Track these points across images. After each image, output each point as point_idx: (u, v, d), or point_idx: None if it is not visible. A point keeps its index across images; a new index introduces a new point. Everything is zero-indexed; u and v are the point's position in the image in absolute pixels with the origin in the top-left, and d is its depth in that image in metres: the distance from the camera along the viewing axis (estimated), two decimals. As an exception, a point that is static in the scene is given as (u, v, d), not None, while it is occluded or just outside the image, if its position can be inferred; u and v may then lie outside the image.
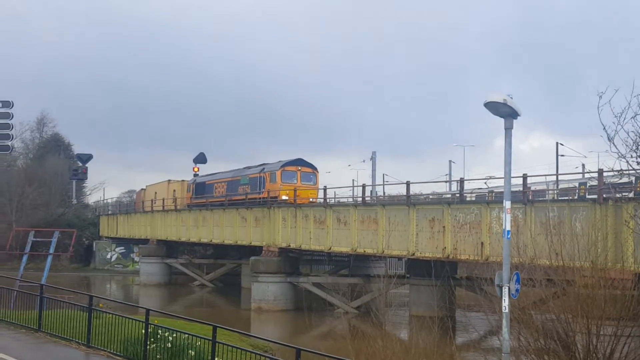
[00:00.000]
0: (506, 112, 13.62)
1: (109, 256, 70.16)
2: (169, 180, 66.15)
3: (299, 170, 46.45)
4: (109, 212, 76.60)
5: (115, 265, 69.47)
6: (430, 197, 42.60)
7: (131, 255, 69.34)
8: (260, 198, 46.71)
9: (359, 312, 37.12)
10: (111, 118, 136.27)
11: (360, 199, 40.01)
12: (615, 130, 16.65)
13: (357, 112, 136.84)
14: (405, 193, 33.82)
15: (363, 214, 34.68)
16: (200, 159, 68.25)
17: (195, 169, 66.25)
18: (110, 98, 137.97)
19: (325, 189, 41.35)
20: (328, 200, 39.87)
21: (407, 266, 37.63)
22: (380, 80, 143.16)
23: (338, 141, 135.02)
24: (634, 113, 16.45)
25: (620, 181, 21.60)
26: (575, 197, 29.27)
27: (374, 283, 34.49)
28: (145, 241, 62.16)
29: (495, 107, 13.54)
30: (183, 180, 64.52)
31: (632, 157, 16.91)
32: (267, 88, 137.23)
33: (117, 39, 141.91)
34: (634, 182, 22.60)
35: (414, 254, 31.35)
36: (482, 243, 27.20)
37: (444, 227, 29.44)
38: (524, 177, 27.36)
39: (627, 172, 18.60)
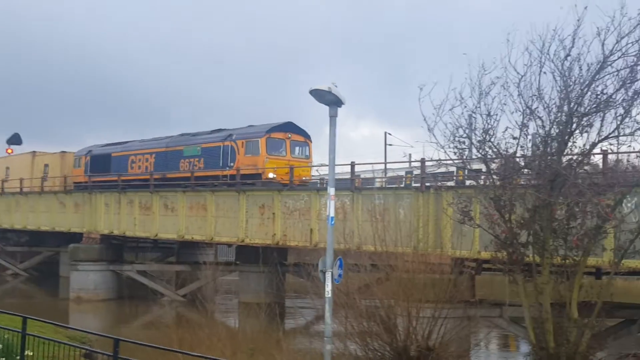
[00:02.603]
0: (331, 100, 13.85)
1: None
2: (34, 152, 53.55)
3: (289, 138, 34.83)
4: None
5: None
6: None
7: None
8: (224, 176, 34.88)
9: (186, 300, 36.36)
10: None
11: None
12: (435, 122, 17.48)
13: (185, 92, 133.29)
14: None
15: (192, 200, 33.93)
16: (15, 139, 62.41)
17: (9, 151, 59.33)
18: None
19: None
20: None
21: (236, 253, 37.35)
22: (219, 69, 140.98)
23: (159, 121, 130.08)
24: (452, 105, 17.28)
25: (440, 170, 22.64)
26: (402, 185, 30.42)
27: (203, 270, 33.91)
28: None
29: (320, 95, 13.73)
30: (64, 152, 50.88)
31: (449, 147, 17.76)
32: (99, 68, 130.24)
33: None
34: (455, 172, 23.88)
35: (243, 241, 31.14)
36: (311, 230, 27.50)
37: (273, 213, 29.46)
38: (352, 164, 27.98)
39: (445, 162, 19.52)
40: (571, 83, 16.28)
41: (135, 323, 31.98)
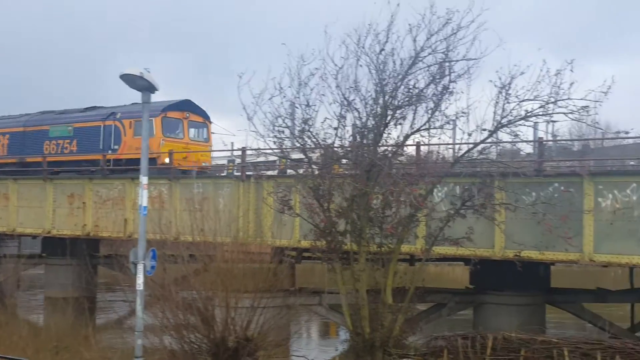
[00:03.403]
0: (143, 85, 13.30)
1: None
2: None
3: (187, 118, 30.46)
4: None
5: None
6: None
7: None
8: (106, 160, 29.20)
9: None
10: None
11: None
12: (254, 111, 17.36)
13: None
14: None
15: (-10, 189, 31.20)
16: None
17: None
18: None
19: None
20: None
21: (42, 245, 34.96)
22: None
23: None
24: (271, 95, 17.24)
25: (260, 160, 22.58)
26: (224, 174, 29.77)
27: (3, 264, 31.34)
28: None
29: (132, 80, 13.17)
30: None
31: (269, 137, 17.73)
32: None
33: None
34: (278, 161, 23.69)
35: (50, 232, 29.17)
36: (125, 220, 26.26)
37: (84, 203, 27.82)
38: (170, 153, 27.14)
39: (264, 151, 19.46)
40: (386, 77, 16.80)
41: None
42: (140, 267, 13.42)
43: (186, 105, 30.77)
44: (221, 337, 16.24)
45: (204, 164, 30.67)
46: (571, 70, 16.08)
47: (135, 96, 17.12)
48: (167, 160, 28.09)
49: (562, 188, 18.13)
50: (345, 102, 17.18)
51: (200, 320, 16.41)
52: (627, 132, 20.06)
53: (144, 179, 13.82)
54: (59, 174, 30.52)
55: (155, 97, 14.22)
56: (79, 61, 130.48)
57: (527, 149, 23.56)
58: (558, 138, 29.56)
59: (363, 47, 16.70)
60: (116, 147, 30.87)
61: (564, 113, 16.67)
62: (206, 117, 31.90)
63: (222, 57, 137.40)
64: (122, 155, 30.00)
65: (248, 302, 16.39)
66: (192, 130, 31.12)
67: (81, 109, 34.19)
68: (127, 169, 28.02)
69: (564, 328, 23.34)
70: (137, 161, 27.67)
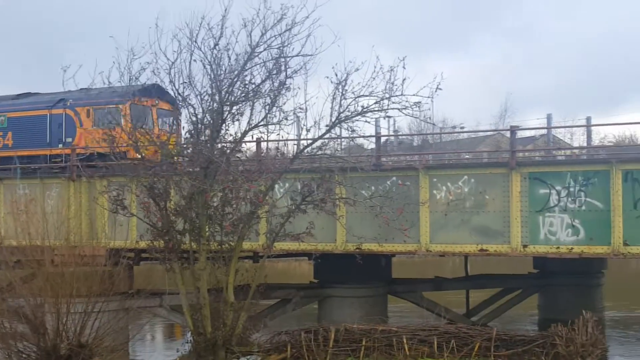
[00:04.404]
0: None
1: None
2: None
3: (156, 105, 24.25)
4: None
5: None
6: None
7: None
8: (54, 156, 25.45)
9: None
10: None
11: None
12: None
13: None
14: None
15: None
16: None
17: None
18: None
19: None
20: None
21: None
22: None
23: None
24: (99, 91, 16.63)
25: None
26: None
27: None
28: None
29: None
30: None
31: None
32: None
33: None
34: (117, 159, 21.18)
35: None
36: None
37: None
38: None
39: (94, 148, 18.57)
40: (221, 72, 16.58)
41: None
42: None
43: (155, 91, 22.72)
44: (52, 345, 15.50)
45: None
46: (404, 67, 16.52)
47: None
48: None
49: (399, 182, 18.71)
50: (180, 98, 16.83)
51: (30, 329, 15.60)
52: (462, 127, 21.06)
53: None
54: None
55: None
56: None
57: (371, 145, 24.19)
58: (399, 133, 30.62)
59: (196, 42, 16.40)
60: (69, 139, 25.74)
61: (398, 109, 17.13)
62: (175, 104, 24.60)
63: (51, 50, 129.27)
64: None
65: (81, 307, 15.72)
66: (161, 121, 25.55)
67: (13, 95, 28.61)
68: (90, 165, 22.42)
69: (407, 317, 24.11)
70: (100, 157, 22.14)
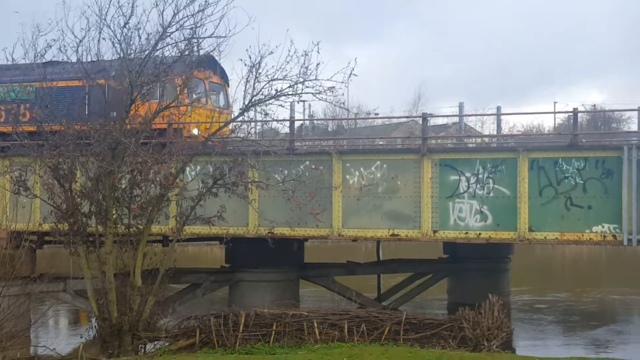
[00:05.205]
0: None
1: None
2: None
3: (209, 78, 22.11)
4: None
5: None
6: None
7: None
8: None
9: None
10: None
11: None
12: None
13: None
14: None
15: None
16: None
17: None
18: None
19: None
20: None
21: None
22: None
23: None
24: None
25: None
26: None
27: None
28: None
29: None
30: None
31: None
32: None
33: None
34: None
35: None
36: None
37: None
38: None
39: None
40: (132, 51, 16.07)
41: None
42: None
43: (209, 63, 21.29)
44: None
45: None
46: (318, 52, 16.49)
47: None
48: (195, 131, 20.28)
49: (313, 166, 18.69)
50: (88, 77, 16.20)
51: None
52: (376, 113, 21.16)
53: None
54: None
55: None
56: None
57: (285, 129, 24.00)
58: (313, 118, 30.56)
59: (105, 20, 15.81)
60: None
61: (312, 93, 17.08)
62: (225, 78, 23.81)
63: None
64: None
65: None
66: (213, 95, 23.72)
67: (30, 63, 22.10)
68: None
69: (319, 302, 24.23)
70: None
